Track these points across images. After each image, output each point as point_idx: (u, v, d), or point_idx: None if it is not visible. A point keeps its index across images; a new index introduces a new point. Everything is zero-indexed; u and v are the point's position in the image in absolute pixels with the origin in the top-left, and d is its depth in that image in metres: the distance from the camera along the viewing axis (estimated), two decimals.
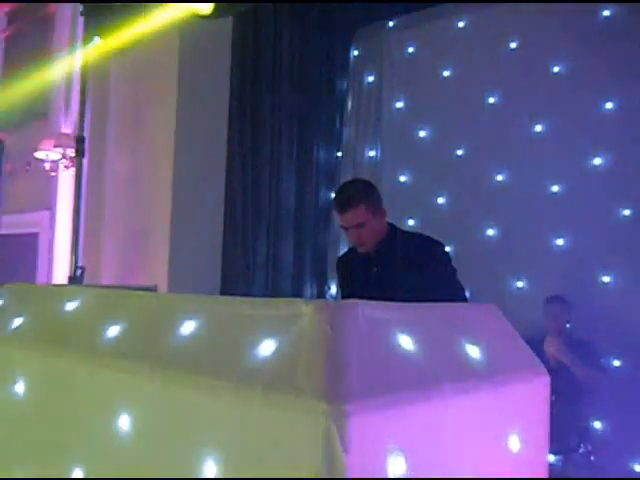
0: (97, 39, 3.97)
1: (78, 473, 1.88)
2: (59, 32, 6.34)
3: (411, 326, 1.51)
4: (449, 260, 2.73)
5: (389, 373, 1.35)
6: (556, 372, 3.41)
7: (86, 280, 4.54)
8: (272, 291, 5.28)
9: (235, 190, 5.22)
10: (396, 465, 1.28)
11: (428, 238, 2.76)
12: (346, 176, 5.51)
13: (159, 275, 4.80)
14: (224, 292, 5.03)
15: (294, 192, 5.54)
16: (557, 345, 3.67)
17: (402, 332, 1.47)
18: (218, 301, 1.73)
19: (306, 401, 1.23)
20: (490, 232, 4.79)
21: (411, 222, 5.10)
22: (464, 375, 1.51)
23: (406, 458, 1.30)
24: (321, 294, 5.60)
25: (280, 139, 5.50)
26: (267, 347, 1.41)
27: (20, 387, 2.20)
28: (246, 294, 4.92)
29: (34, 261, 6.15)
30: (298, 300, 1.43)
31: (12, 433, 2.24)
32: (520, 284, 4.59)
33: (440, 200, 5.08)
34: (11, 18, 7.32)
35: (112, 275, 5.23)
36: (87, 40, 4.26)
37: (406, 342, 1.45)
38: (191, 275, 4.87)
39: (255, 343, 1.44)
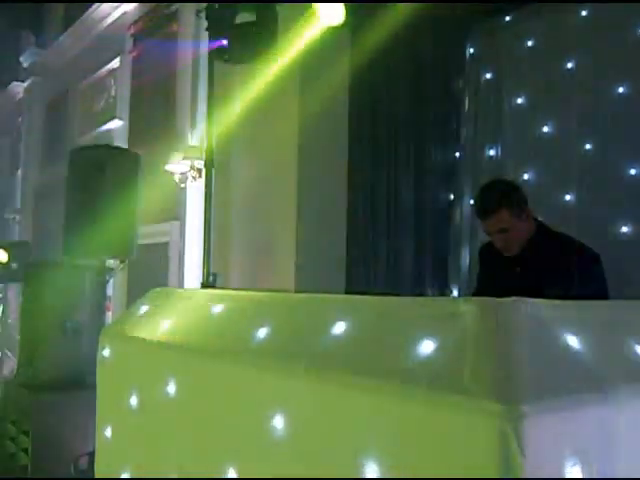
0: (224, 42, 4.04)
1: (232, 473, 1.92)
2: (183, 48, 6.61)
3: (576, 325, 1.44)
4: (601, 273, 2.53)
5: (560, 373, 1.29)
6: None
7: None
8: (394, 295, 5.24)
9: (357, 195, 5.24)
10: (572, 469, 1.22)
11: (582, 246, 2.60)
12: (466, 176, 5.40)
13: (286, 281, 4.87)
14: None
15: (413, 194, 5.48)
16: None
17: (568, 331, 1.40)
18: (370, 301, 1.72)
19: (477, 401, 1.19)
20: (623, 229, 4.54)
21: None
22: (637, 377, 1.42)
23: (581, 462, 1.24)
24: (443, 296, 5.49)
25: (397, 141, 5.47)
26: (427, 346, 1.39)
27: (171, 388, 2.27)
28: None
29: (165, 270, 6.42)
30: (457, 298, 1.40)
31: (164, 433, 2.32)
32: None
33: (567, 197, 4.86)
34: (137, 39, 7.74)
35: (240, 282, 5.35)
36: (211, 54, 4.41)
37: (573, 341, 1.39)
38: (317, 281, 4.90)
39: (414, 342, 1.42)
